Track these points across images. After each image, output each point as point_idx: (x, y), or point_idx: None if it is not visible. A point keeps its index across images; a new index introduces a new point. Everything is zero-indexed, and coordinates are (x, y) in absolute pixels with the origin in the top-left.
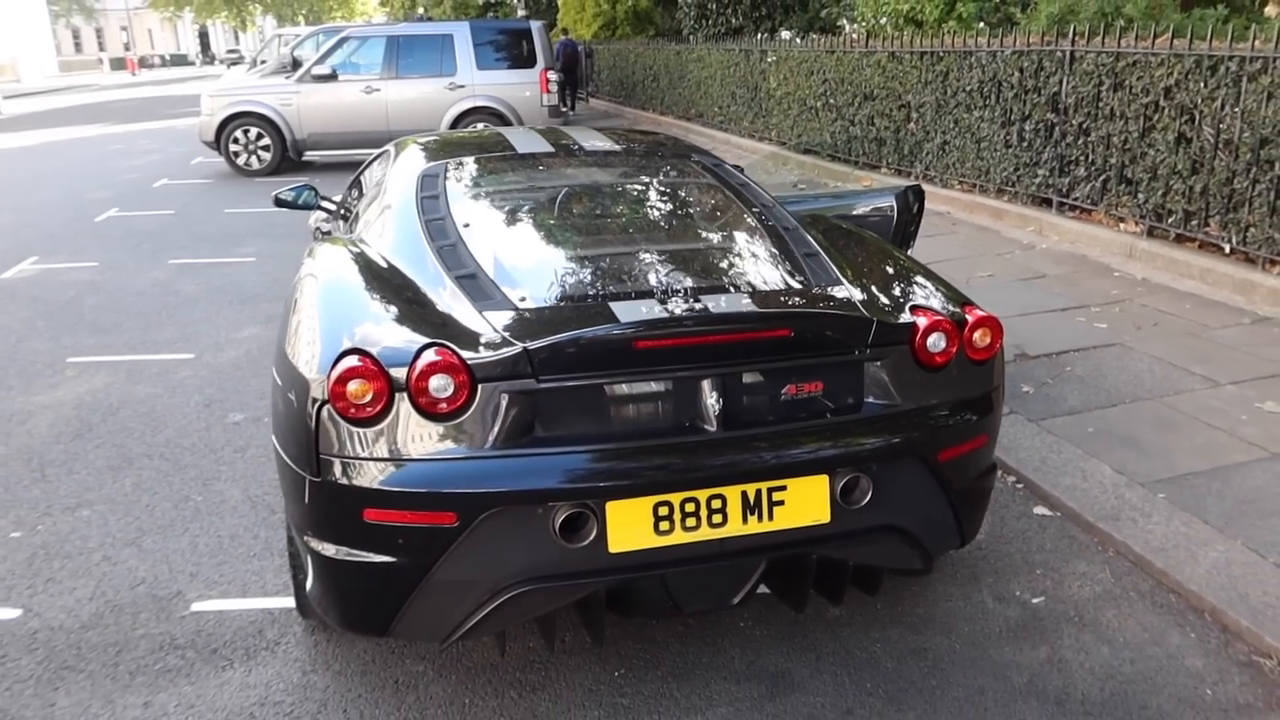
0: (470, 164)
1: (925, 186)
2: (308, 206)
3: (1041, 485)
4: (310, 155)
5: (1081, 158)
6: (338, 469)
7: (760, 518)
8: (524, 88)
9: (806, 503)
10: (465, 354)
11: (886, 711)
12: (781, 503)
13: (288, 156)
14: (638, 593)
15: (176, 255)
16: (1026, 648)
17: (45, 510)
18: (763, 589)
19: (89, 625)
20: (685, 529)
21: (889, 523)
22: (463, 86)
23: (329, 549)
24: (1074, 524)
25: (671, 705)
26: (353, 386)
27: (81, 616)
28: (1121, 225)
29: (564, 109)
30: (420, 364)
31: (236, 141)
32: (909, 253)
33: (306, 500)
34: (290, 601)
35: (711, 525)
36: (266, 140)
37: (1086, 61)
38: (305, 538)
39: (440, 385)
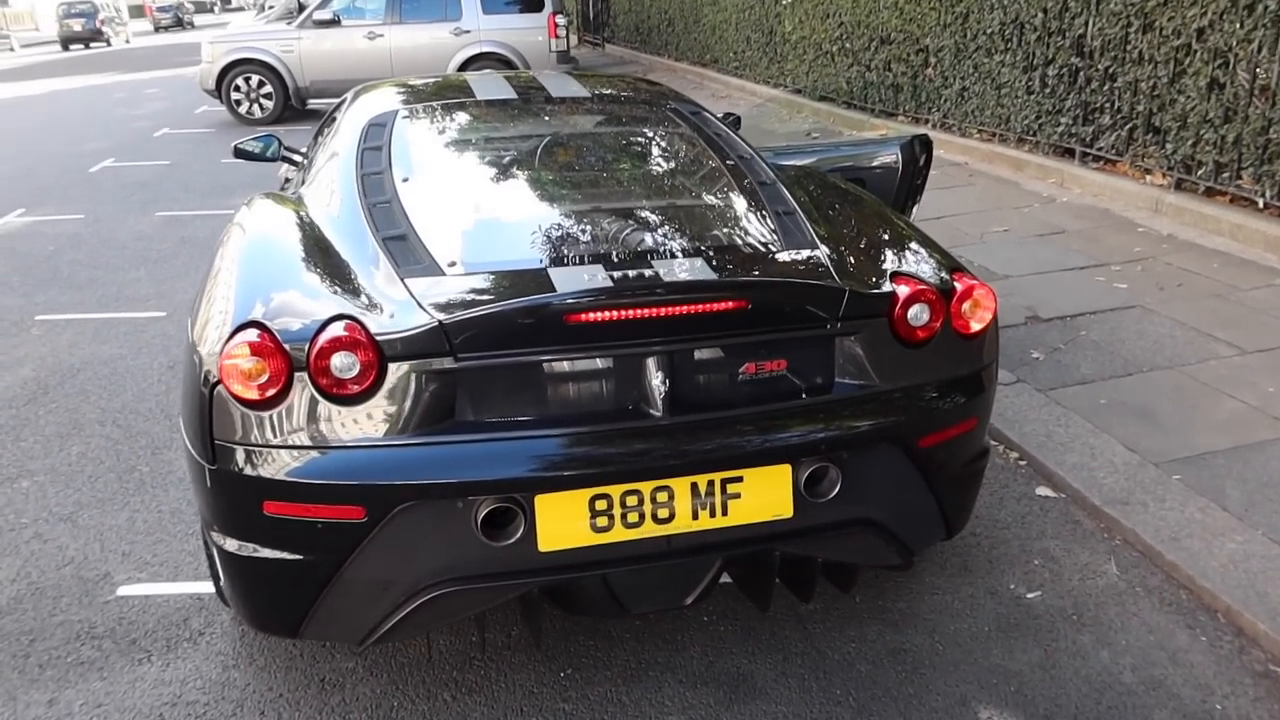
0: (423, 112)
1: (943, 136)
2: (273, 158)
3: (1046, 463)
4: (314, 104)
5: (1107, 105)
6: (235, 456)
7: (712, 513)
8: (532, 32)
9: (765, 496)
10: (374, 329)
11: None
12: (737, 495)
13: (290, 105)
14: (578, 593)
15: (165, 207)
16: (1018, 650)
17: None
18: (726, 578)
19: (6, 611)
20: (626, 525)
21: (861, 516)
22: (468, 32)
23: (231, 544)
24: (1079, 507)
25: (618, 712)
26: (247, 365)
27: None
28: (1148, 177)
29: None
30: (321, 340)
31: (238, 89)
32: (914, 208)
33: (207, 490)
34: None
35: (657, 521)
36: (269, 88)
37: (1114, 1)
38: (210, 531)
39: (343, 364)
